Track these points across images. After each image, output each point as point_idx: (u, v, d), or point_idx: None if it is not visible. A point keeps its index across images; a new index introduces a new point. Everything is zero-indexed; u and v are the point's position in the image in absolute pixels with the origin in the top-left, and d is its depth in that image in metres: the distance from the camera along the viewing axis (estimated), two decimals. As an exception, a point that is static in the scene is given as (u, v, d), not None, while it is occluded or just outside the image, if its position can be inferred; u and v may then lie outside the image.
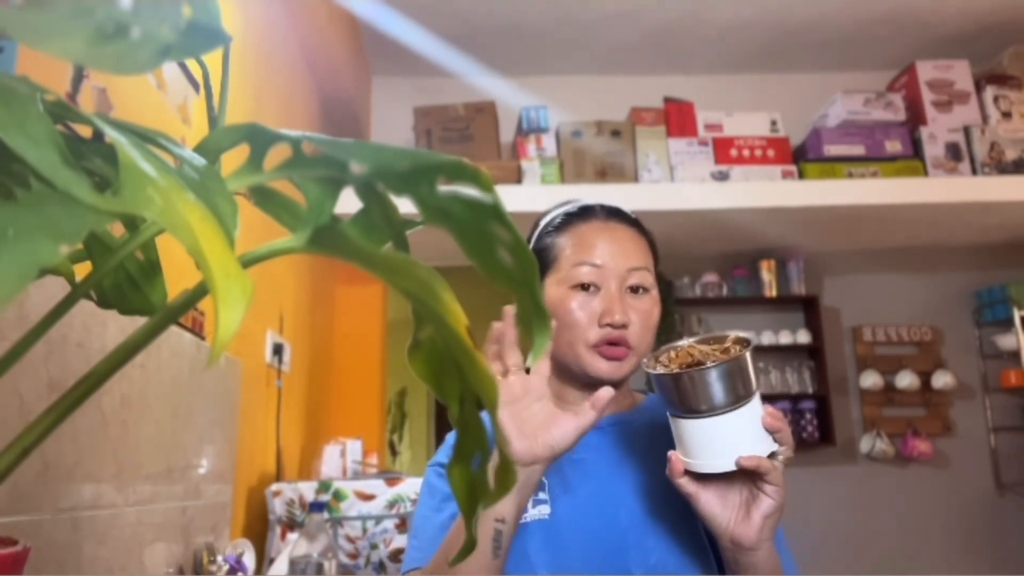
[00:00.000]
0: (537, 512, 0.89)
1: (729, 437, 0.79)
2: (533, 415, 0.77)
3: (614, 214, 0.98)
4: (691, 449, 0.81)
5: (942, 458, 3.76)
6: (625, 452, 0.95)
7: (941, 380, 3.72)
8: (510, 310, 0.81)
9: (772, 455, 0.79)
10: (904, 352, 3.86)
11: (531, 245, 1.01)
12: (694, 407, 0.79)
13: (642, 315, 0.92)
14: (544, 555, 0.86)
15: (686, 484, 0.82)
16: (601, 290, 0.92)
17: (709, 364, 0.79)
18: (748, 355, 0.80)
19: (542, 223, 1.01)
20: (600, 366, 0.91)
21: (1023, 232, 3.66)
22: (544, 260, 0.97)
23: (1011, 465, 3.75)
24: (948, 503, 3.70)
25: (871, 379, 3.74)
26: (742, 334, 0.84)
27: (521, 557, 0.86)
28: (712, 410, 0.78)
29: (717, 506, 0.81)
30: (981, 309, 3.89)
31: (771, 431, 0.79)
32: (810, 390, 3.72)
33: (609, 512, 0.90)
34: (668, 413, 0.84)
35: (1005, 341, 3.71)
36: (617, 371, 0.91)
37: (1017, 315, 3.63)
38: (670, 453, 0.83)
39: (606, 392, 0.78)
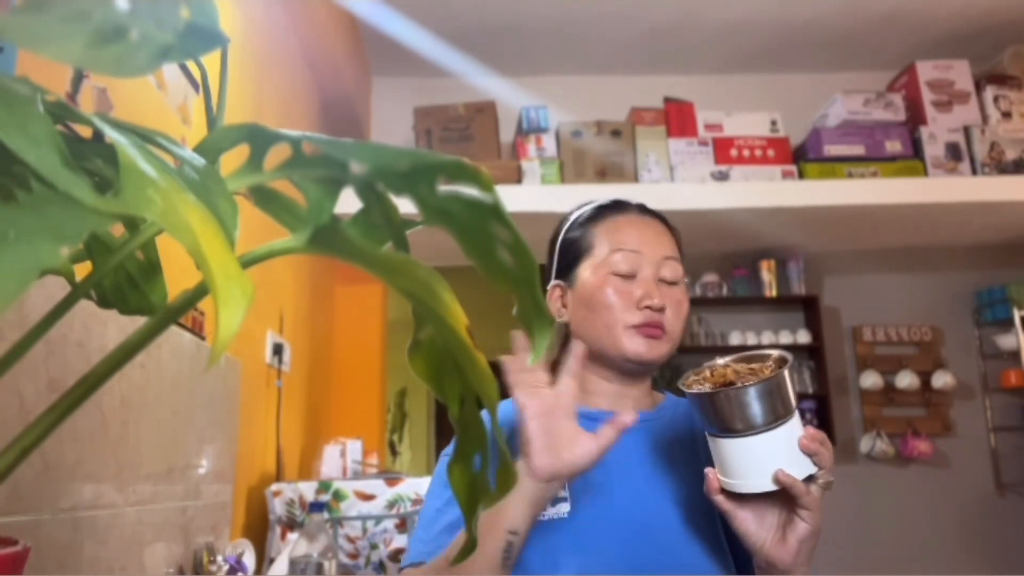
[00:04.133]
0: (555, 511, 0.88)
1: (764, 457, 0.78)
2: (560, 430, 0.77)
3: (645, 210, 1.02)
4: (727, 468, 0.81)
5: (942, 458, 3.76)
6: (648, 452, 0.95)
7: (941, 380, 3.72)
8: (579, 348, 0.82)
9: (811, 478, 0.78)
10: (904, 352, 3.86)
11: (560, 237, 1.03)
12: (729, 426, 0.79)
13: (675, 303, 0.95)
14: (565, 554, 0.86)
15: (723, 502, 0.82)
16: (637, 276, 0.94)
17: (744, 383, 0.78)
18: (786, 374, 0.79)
19: (572, 216, 1.04)
20: (639, 345, 0.92)
21: (1023, 232, 3.66)
22: (577, 249, 1.00)
23: (1011, 465, 3.74)
24: (948, 503, 3.70)
25: (871, 379, 3.74)
26: (784, 353, 0.83)
27: (542, 555, 0.86)
28: (748, 429, 0.78)
29: (753, 525, 0.81)
30: (981, 309, 3.89)
31: (808, 453, 0.78)
32: (810, 390, 3.71)
33: (631, 512, 0.89)
34: (705, 432, 0.83)
35: (1005, 341, 3.70)
36: (653, 350, 0.93)
37: (1017, 315, 3.63)
38: (707, 470, 0.83)
39: (629, 417, 0.78)
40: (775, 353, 0.83)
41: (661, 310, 0.92)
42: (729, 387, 0.79)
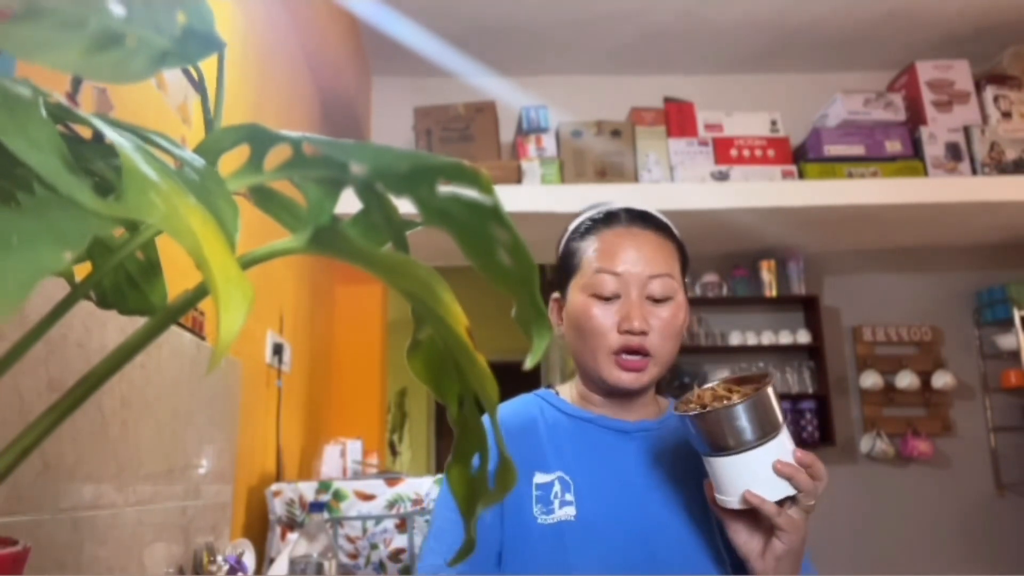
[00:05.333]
0: (563, 513, 0.89)
1: (740, 476, 0.81)
2: None
3: (639, 218, 0.97)
4: (715, 483, 0.84)
5: (942, 458, 3.76)
6: (652, 459, 0.95)
7: (941, 380, 3.72)
8: None
9: (792, 499, 0.80)
10: (904, 352, 3.86)
11: (560, 249, 1.02)
12: (710, 446, 0.82)
13: (663, 323, 0.92)
14: (571, 556, 0.87)
15: (719, 512, 0.85)
16: (622, 297, 0.92)
17: (716, 406, 0.81)
18: (766, 395, 0.81)
19: (570, 228, 1.01)
20: (620, 376, 0.92)
21: (1023, 232, 3.65)
22: (569, 266, 0.98)
23: (1011, 465, 3.74)
24: (948, 503, 3.70)
25: (871, 379, 3.73)
26: (764, 372, 0.85)
27: (548, 558, 0.87)
28: (724, 450, 0.81)
29: (743, 536, 0.84)
30: (981, 309, 3.89)
31: (782, 476, 0.79)
32: (810, 390, 3.71)
33: (634, 518, 0.90)
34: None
35: (1005, 341, 3.70)
36: (636, 381, 0.92)
37: (1017, 315, 3.63)
38: (705, 481, 0.86)
39: None
40: (769, 377, 0.84)
41: (643, 333, 0.90)
42: (703, 411, 0.81)
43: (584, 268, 0.95)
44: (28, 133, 0.28)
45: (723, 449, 0.81)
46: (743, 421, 0.80)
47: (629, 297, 0.92)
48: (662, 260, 0.94)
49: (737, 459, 0.80)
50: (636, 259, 0.93)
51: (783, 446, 0.81)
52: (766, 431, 0.80)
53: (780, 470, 0.79)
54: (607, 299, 0.92)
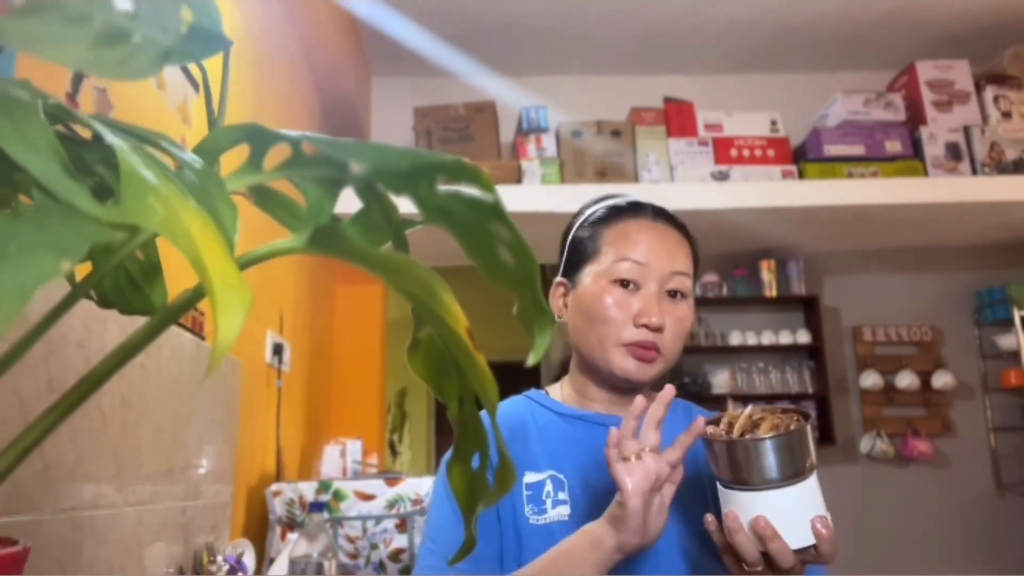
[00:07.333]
0: (556, 513, 0.88)
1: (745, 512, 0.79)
2: (654, 504, 0.77)
3: (662, 214, 0.97)
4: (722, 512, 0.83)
5: (942, 458, 3.76)
6: None
7: (941, 380, 3.72)
8: (667, 394, 0.79)
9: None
10: (904, 352, 3.86)
11: (570, 234, 1.00)
12: (726, 475, 0.80)
13: (676, 321, 0.91)
14: None
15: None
16: (641, 289, 0.91)
17: (715, 438, 0.78)
18: (802, 432, 0.76)
19: (585, 212, 1.00)
20: (628, 365, 0.90)
21: (1023, 232, 3.66)
22: (583, 250, 0.96)
23: (1011, 465, 3.74)
24: (948, 503, 3.70)
25: (871, 379, 3.73)
26: (803, 411, 0.80)
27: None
28: (742, 483, 0.78)
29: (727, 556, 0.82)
30: (981, 309, 3.89)
31: (734, 537, 0.76)
32: (810, 390, 3.71)
33: None
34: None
35: (1005, 341, 3.70)
36: (644, 372, 0.90)
37: (1017, 315, 3.63)
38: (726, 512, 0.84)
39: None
40: (809, 420, 0.79)
41: (659, 329, 0.89)
42: (712, 439, 0.79)
43: (603, 254, 0.93)
44: (27, 138, 0.28)
45: (739, 482, 0.77)
46: (725, 463, 0.77)
47: (649, 290, 0.90)
48: (683, 258, 0.94)
49: (722, 491, 0.78)
50: (661, 252, 0.92)
51: (757, 504, 0.76)
52: (737, 480, 0.77)
53: (719, 535, 0.78)
54: (625, 289, 0.90)
